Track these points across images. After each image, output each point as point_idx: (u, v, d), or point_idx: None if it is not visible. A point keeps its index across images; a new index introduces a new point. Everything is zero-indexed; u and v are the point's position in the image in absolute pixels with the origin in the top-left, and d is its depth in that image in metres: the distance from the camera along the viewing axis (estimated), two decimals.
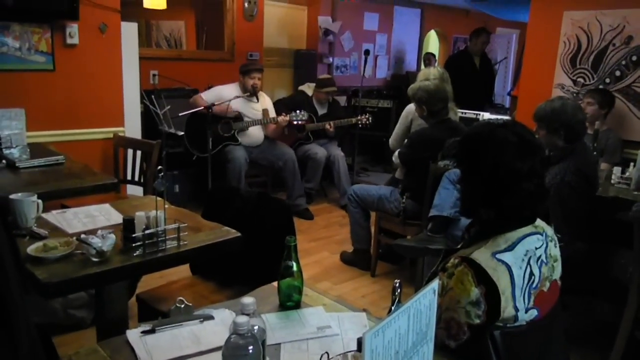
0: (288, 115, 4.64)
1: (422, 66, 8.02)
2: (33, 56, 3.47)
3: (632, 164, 3.11)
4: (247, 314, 1.07)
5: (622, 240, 2.53)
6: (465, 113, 4.78)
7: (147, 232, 1.75)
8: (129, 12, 4.08)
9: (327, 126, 4.97)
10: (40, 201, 1.95)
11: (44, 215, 2.04)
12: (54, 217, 2.08)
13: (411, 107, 3.73)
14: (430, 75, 3.54)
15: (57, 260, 1.65)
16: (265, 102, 4.79)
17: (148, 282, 2.70)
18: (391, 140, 3.93)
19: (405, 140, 3.71)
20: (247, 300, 1.11)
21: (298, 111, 4.68)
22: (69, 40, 3.57)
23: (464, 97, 4.28)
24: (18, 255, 1.01)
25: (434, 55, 8.02)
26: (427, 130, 3.44)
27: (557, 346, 1.46)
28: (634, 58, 3.84)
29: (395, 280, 1.25)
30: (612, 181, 3.11)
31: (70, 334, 2.68)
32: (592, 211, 2.66)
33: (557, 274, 1.43)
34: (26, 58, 3.45)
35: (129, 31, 4.01)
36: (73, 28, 3.56)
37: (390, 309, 1.22)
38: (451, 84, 3.67)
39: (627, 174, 3.10)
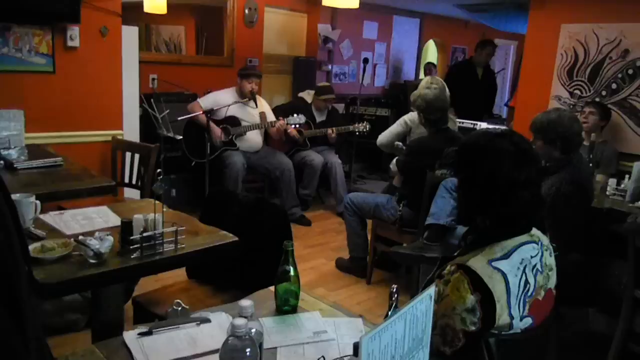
0: (285, 120, 4.66)
1: (422, 75, 8.06)
2: (33, 58, 3.48)
3: (627, 176, 3.14)
4: (245, 317, 1.08)
5: (616, 251, 2.55)
6: (463, 123, 4.81)
7: (144, 234, 1.76)
8: (130, 16, 4.10)
9: (330, 131, 4.99)
10: (38, 202, 1.96)
11: (41, 216, 2.04)
12: (51, 218, 2.08)
13: (413, 115, 3.75)
14: (433, 84, 3.56)
15: (54, 261, 1.65)
16: (263, 106, 4.80)
17: (144, 286, 2.70)
18: (381, 136, 3.95)
19: (397, 144, 3.74)
20: (246, 303, 1.11)
21: (295, 115, 4.69)
22: (69, 43, 3.59)
23: (464, 106, 4.30)
24: (27, 251, 1.02)
25: (434, 65, 8.07)
26: (426, 139, 3.46)
27: (550, 355, 1.48)
28: (630, 71, 3.88)
29: (393, 285, 1.26)
30: (607, 193, 3.14)
31: (63, 336, 2.67)
32: (586, 222, 2.68)
33: (552, 282, 1.44)
34: (26, 59, 3.46)
35: (130, 35, 4.02)
36: (74, 31, 3.58)
37: (387, 314, 1.23)
38: (452, 93, 3.69)
39: (622, 185, 3.13)
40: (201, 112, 4.27)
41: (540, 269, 1.38)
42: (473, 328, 1.28)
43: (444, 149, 3.16)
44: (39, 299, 2.27)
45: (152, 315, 2.08)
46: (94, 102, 3.78)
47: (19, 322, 0.79)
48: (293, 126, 4.72)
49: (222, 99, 4.54)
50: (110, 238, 1.70)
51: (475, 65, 5.90)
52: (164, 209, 1.87)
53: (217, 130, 4.47)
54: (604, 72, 4.01)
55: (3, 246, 0.80)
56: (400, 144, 3.79)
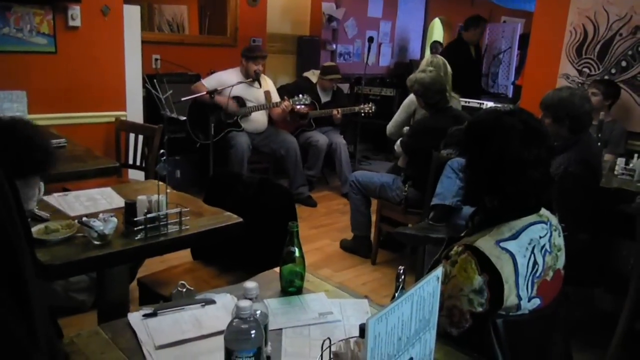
0: (290, 100, 4.62)
1: (428, 54, 7.96)
2: (35, 38, 3.45)
3: (636, 155, 3.09)
4: (250, 299, 1.07)
5: (624, 231, 2.52)
6: (469, 102, 4.75)
7: (148, 216, 1.75)
8: None
9: (335, 112, 4.95)
10: (41, 183, 1.94)
11: (45, 197, 2.03)
12: (55, 199, 2.07)
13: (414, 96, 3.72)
14: (429, 66, 3.52)
15: (58, 242, 1.65)
16: (267, 84, 4.75)
17: (149, 267, 2.71)
18: (389, 127, 3.91)
19: (406, 129, 3.70)
20: (250, 284, 1.10)
21: (300, 95, 4.64)
22: (71, 23, 3.54)
23: (461, 86, 4.21)
24: (30, 234, 1.01)
25: (441, 44, 7.94)
26: (429, 119, 3.42)
27: (558, 335, 1.46)
28: None
29: (400, 267, 1.24)
30: (616, 172, 3.10)
31: (71, 316, 2.68)
32: (595, 202, 2.65)
33: (561, 263, 1.42)
34: (28, 40, 3.42)
35: (132, 14, 3.97)
36: (75, 10, 3.53)
37: (394, 296, 1.21)
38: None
39: (631, 165, 3.09)
40: (205, 92, 4.23)
41: (549, 249, 1.36)
42: (480, 309, 1.26)
43: (447, 128, 3.13)
44: (44, 281, 2.28)
45: (157, 296, 2.08)
46: (97, 82, 3.75)
47: (25, 307, 0.78)
48: (298, 106, 4.67)
49: (226, 79, 4.49)
50: (114, 219, 1.70)
51: (468, 44, 5.78)
52: (168, 190, 1.86)
53: (225, 100, 4.37)
54: (614, 49, 3.93)
55: (5, 222, 0.78)
56: None
